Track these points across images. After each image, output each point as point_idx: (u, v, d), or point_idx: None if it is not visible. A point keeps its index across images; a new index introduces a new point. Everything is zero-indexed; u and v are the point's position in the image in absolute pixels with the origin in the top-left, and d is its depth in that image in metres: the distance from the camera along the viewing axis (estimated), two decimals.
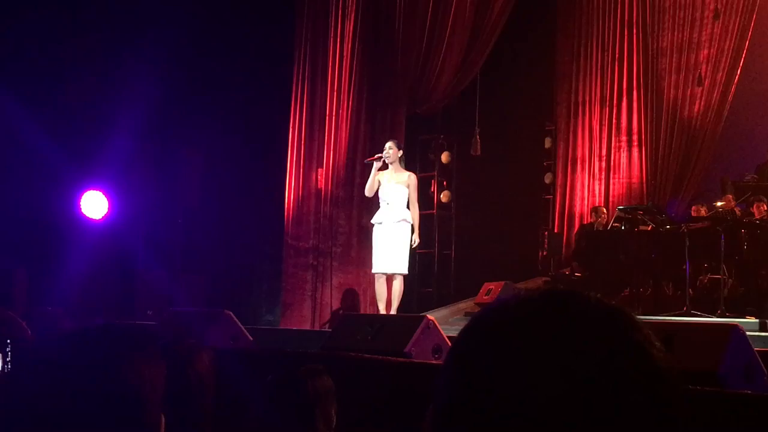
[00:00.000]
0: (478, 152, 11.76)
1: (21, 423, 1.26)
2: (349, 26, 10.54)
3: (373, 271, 8.48)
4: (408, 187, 8.23)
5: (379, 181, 8.36)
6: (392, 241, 8.20)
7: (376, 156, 8.51)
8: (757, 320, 7.85)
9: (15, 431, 1.26)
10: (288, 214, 10.49)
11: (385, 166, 8.39)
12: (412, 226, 8.24)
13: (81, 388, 1.26)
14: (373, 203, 8.66)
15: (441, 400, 0.89)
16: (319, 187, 10.46)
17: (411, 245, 8.29)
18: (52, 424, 1.24)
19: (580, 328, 0.85)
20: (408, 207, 8.27)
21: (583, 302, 0.88)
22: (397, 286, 8.18)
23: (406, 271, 8.24)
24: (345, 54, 10.53)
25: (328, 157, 10.44)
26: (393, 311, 8.08)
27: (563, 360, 0.82)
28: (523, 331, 0.85)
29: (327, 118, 10.50)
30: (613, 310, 0.88)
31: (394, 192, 8.23)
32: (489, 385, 0.84)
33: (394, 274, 8.19)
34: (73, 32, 9.89)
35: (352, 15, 10.53)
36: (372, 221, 8.51)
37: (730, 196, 10.28)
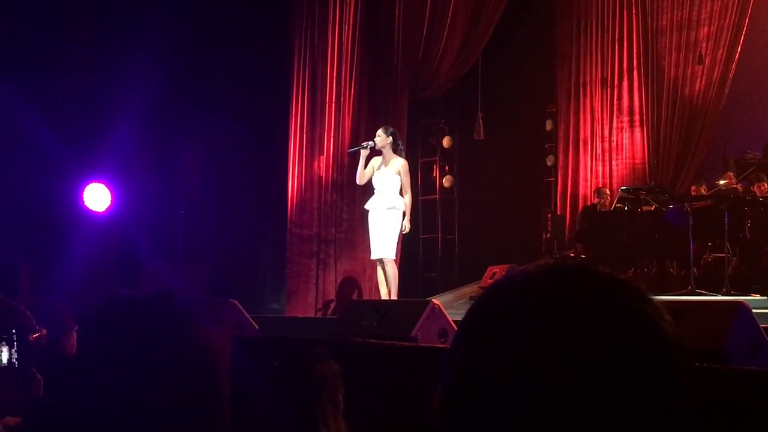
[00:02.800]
0: (482, 136, 11.71)
1: (99, 392, 1.21)
2: (349, 13, 10.49)
3: (371, 257, 8.51)
4: (399, 174, 8.17)
5: (374, 168, 8.33)
6: (381, 227, 8.19)
7: (359, 145, 8.50)
8: (764, 297, 7.83)
9: (92, 403, 1.22)
10: (291, 202, 10.48)
11: (378, 153, 8.35)
12: (404, 212, 8.19)
13: (152, 356, 1.21)
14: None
15: (449, 379, 0.88)
16: (321, 174, 10.45)
17: (402, 230, 8.25)
18: (125, 393, 1.20)
19: (589, 302, 0.84)
20: (401, 194, 8.22)
21: (592, 275, 0.87)
22: (389, 270, 8.18)
23: (392, 256, 8.24)
24: (345, 41, 10.50)
25: (329, 144, 10.43)
26: (393, 296, 8.07)
27: (572, 334, 0.82)
28: (532, 305, 0.85)
29: (328, 105, 10.47)
30: (623, 283, 0.87)
31: (385, 179, 8.19)
32: (498, 362, 0.83)
33: (382, 260, 8.20)
34: (73, 23, 9.86)
35: (352, 1, 10.49)
36: (366, 207, 8.49)
37: (731, 174, 10.25)
